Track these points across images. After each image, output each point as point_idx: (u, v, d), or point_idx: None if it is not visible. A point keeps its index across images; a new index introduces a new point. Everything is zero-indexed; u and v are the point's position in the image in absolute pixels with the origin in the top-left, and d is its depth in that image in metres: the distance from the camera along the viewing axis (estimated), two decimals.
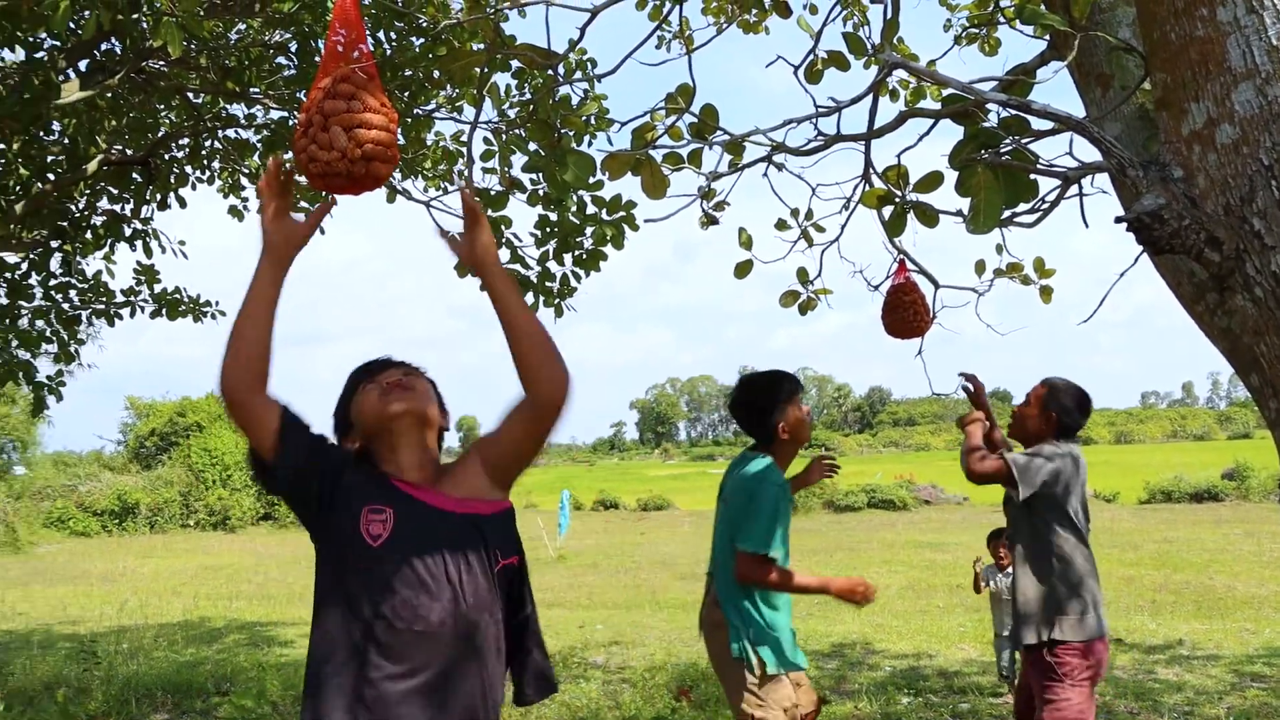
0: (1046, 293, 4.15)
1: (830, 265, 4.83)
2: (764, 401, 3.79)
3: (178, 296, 7.40)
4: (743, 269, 4.22)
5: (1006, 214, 2.88)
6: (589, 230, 5.55)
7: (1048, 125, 2.67)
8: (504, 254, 5.91)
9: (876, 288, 4.11)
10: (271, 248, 2.23)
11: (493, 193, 4.83)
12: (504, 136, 4.75)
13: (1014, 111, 2.55)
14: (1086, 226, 2.75)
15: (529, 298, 5.95)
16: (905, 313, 3.84)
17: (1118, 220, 2.11)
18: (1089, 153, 2.83)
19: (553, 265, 5.85)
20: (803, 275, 4.34)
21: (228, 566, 21.47)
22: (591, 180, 3.91)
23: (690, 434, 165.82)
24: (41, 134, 6.38)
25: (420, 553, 2.19)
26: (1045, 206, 3.01)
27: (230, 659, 8.32)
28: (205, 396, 36.51)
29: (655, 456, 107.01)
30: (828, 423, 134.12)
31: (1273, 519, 23.68)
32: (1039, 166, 2.58)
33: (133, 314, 7.32)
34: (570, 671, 7.65)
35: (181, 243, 7.35)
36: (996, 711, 6.54)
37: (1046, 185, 2.94)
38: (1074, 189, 2.93)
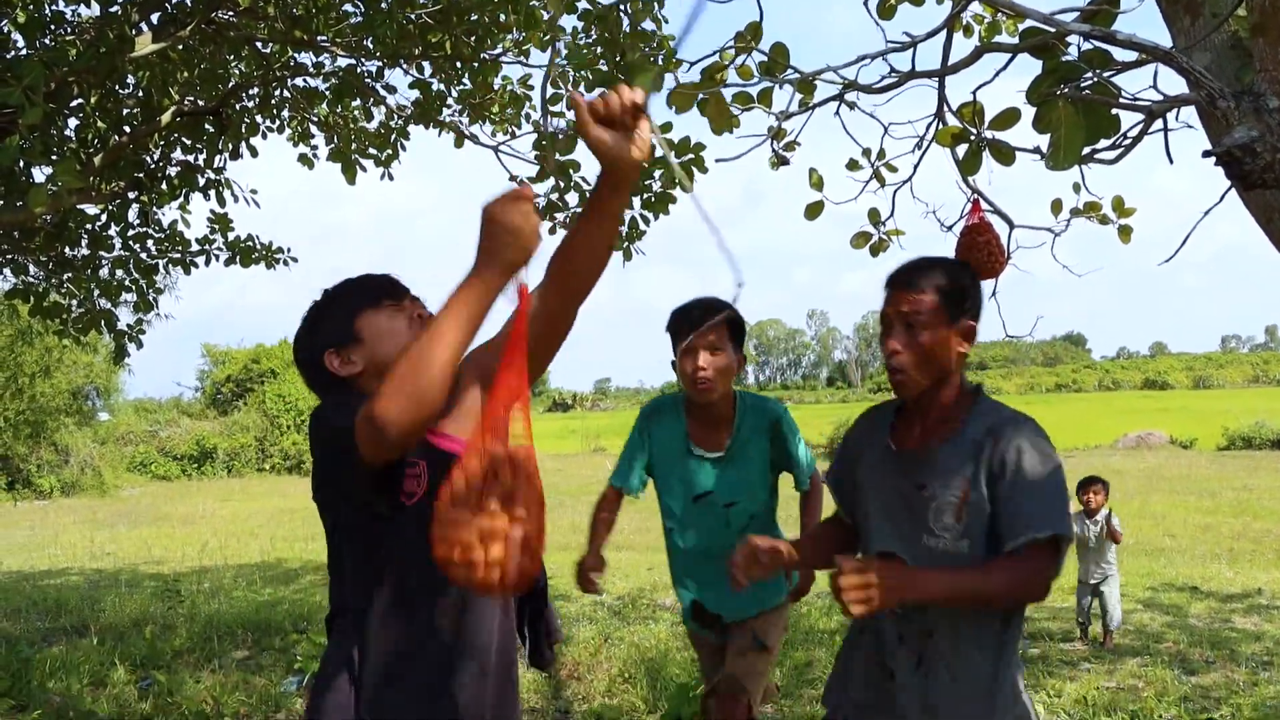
0: (1125, 232, 4.02)
1: (902, 206, 4.72)
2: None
3: (250, 244, 7.51)
4: (813, 210, 4.15)
5: (1087, 150, 2.79)
6: (658, 173, 5.51)
7: (1132, 57, 2.57)
8: (572, 197, 5.91)
9: (950, 229, 4.02)
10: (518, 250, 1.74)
11: (560, 136, 4.81)
12: (571, 74, 4.70)
13: (1096, 44, 2.45)
14: (1171, 162, 2.65)
15: None
16: (979, 254, 3.73)
17: (1206, 154, 2.02)
18: (1175, 85, 2.73)
19: None
20: (874, 216, 4.26)
21: (302, 509, 21.99)
22: (660, 121, 3.86)
23: (758, 378, 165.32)
24: (117, 87, 6.48)
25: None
26: (1127, 142, 2.91)
27: (306, 599, 8.54)
28: (279, 343, 37.24)
29: None
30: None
31: None
32: (1122, 100, 2.48)
33: (208, 262, 7.45)
34: (639, 613, 7.73)
35: (254, 191, 7.43)
36: (1066, 657, 6.49)
37: (1129, 120, 2.84)
38: (1158, 123, 2.83)
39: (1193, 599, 8.50)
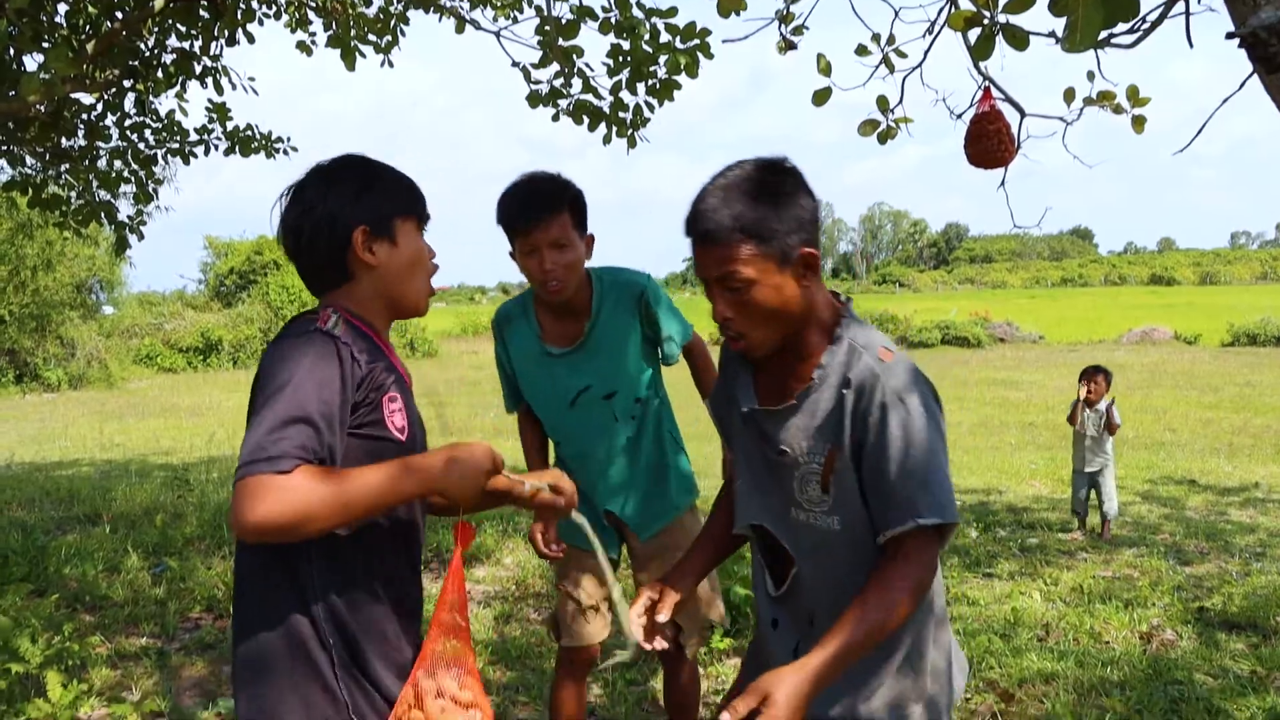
0: (1139, 122, 3.92)
1: (912, 93, 4.64)
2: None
3: (250, 134, 7.40)
4: (821, 96, 4.06)
5: (1104, 34, 2.71)
6: (662, 59, 5.39)
7: None
8: (576, 84, 5.79)
9: (959, 116, 3.94)
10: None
11: (564, 20, 4.69)
12: None
13: None
14: (1191, 46, 2.57)
15: (601, 128, 5.84)
16: (989, 142, 3.66)
17: (1229, 36, 1.96)
18: None
19: (625, 95, 5.71)
20: (883, 103, 4.17)
21: None
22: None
23: None
24: None
25: (422, 438, 1.98)
26: (1146, 26, 2.82)
27: None
28: None
29: None
30: (902, 259, 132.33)
31: None
32: None
33: (206, 152, 7.36)
34: None
35: (251, 79, 7.29)
36: (1064, 546, 6.59)
37: (1149, 3, 2.76)
38: (1179, 6, 2.74)
39: (1190, 492, 8.59)
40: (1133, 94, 3.88)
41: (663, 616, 2.07)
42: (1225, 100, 2.73)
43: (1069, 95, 3.94)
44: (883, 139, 4.21)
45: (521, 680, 4.47)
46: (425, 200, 2.01)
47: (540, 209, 2.81)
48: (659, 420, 3.21)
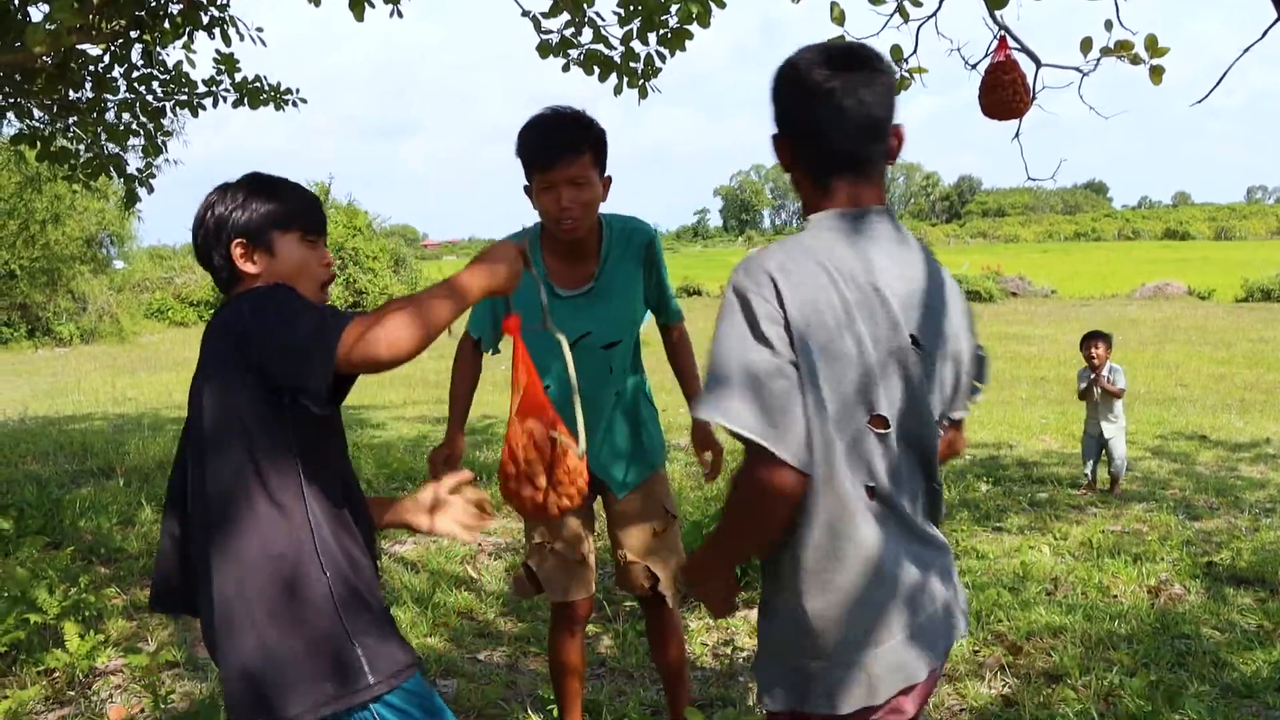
0: (1157, 73, 3.86)
1: (926, 43, 4.58)
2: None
3: (258, 85, 7.35)
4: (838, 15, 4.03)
5: None
6: (674, 7, 5.32)
7: None
8: (587, 34, 5.73)
9: (974, 66, 3.90)
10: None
11: None
12: None
13: None
14: None
15: (612, 79, 5.79)
16: (1004, 92, 3.61)
17: None
18: None
19: (636, 45, 5.65)
20: (897, 53, 4.12)
21: None
22: None
23: (774, 221, 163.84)
24: None
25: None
26: None
27: None
28: None
29: (739, 244, 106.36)
30: (915, 212, 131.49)
31: None
32: None
33: (215, 104, 7.31)
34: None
35: (259, 30, 7.23)
36: (1074, 502, 6.60)
37: None
38: None
39: (1201, 447, 8.58)
40: (1151, 44, 3.81)
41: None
42: (1247, 49, 2.70)
43: (1086, 45, 3.89)
44: (896, 90, 4.16)
45: (533, 632, 4.51)
46: (313, 213, 2.12)
47: (563, 147, 2.75)
48: (641, 377, 3.18)
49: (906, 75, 4.15)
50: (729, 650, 4.27)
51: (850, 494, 1.73)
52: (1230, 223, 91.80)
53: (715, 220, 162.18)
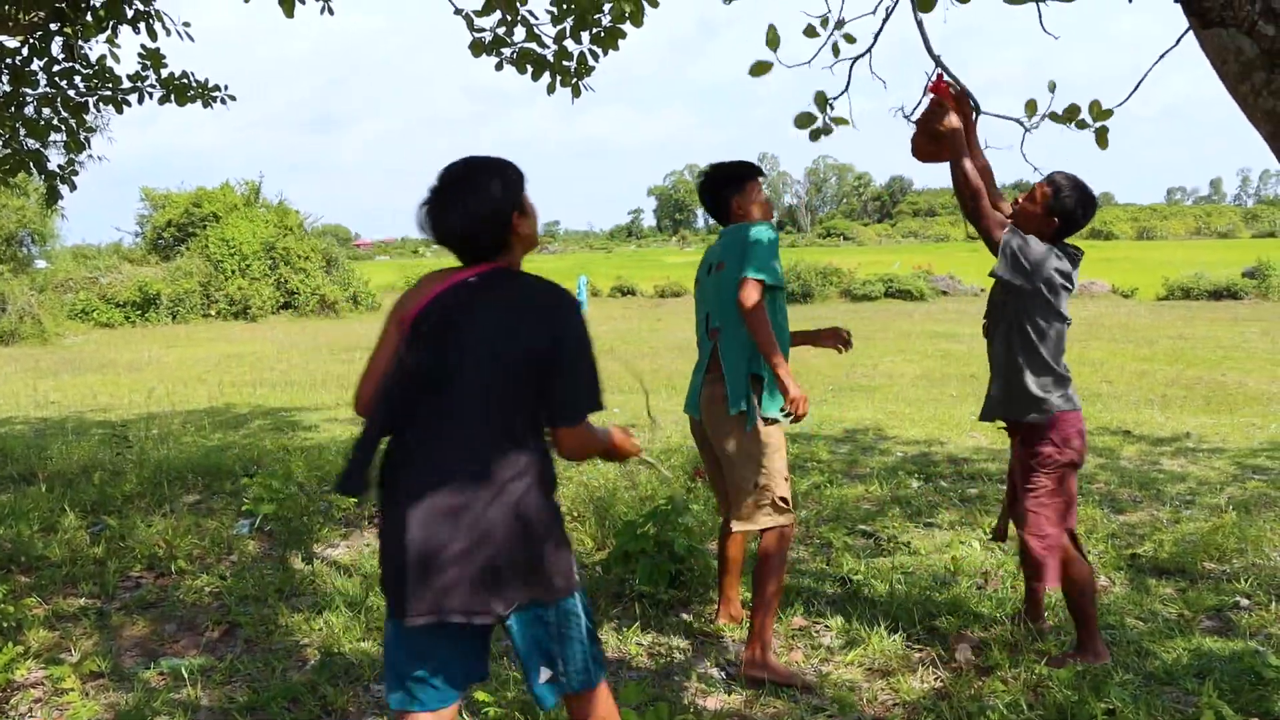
0: (1103, 135, 3.92)
1: (860, 75, 4.60)
2: (725, 186, 4.15)
3: (185, 81, 7.21)
4: (760, 68, 4.03)
5: None
6: (607, 6, 5.32)
7: None
8: (519, 32, 5.71)
9: (909, 118, 3.93)
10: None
11: None
12: None
13: None
14: (1130, 1, 2.60)
15: (545, 77, 5.77)
16: (934, 145, 3.76)
17: None
18: None
19: (570, 43, 5.65)
20: (821, 100, 4.14)
21: (250, 355, 21.87)
22: None
23: (708, 222, 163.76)
24: None
25: None
26: None
27: (256, 443, 8.56)
28: (220, 186, 36.33)
29: (673, 244, 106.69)
30: (846, 212, 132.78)
31: None
32: None
33: (140, 100, 7.16)
34: None
35: (186, 24, 7.09)
36: (1003, 496, 6.70)
37: None
38: None
39: (1125, 442, 8.78)
40: (1095, 109, 3.88)
41: None
42: (1162, 55, 2.77)
43: (1031, 108, 3.95)
44: (815, 136, 4.21)
45: None
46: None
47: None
48: None
49: (829, 123, 4.19)
50: (666, 650, 4.27)
51: None
52: (1151, 223, 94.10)
53: (649, 220, 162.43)
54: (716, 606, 4.59)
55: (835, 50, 4.17)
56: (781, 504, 4.02)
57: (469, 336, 2.46)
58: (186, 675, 4.00)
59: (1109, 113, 3.83)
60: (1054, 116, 3.91)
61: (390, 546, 2.51)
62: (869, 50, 4.16)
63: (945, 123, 3.73)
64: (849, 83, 4.17)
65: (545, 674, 2.58)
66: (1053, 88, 3.86)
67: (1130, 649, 4.14)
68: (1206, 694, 3.59)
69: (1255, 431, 9.49)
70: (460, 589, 2.40)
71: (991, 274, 3.86)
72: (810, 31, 4.11)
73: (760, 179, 4.18)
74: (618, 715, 2.73)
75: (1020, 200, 3.99)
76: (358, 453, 2.53)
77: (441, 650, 2.54)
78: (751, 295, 3.77)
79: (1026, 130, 3.96)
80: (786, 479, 4.05)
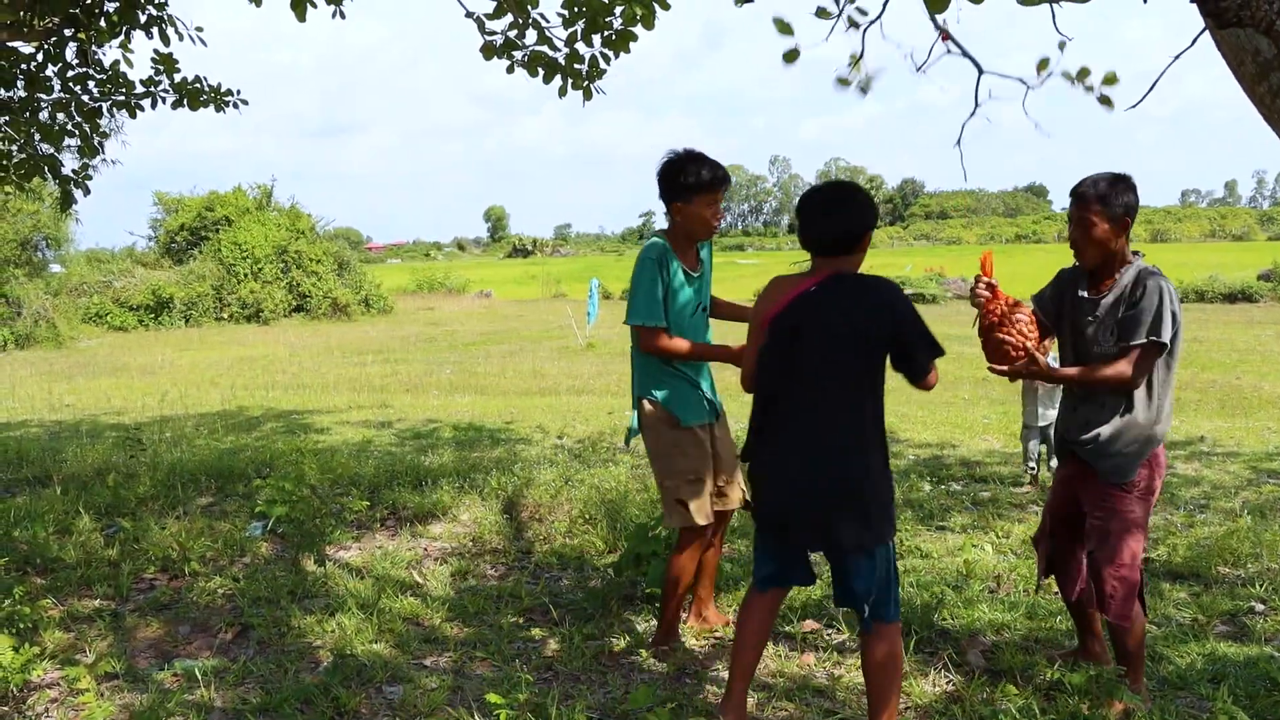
0: (1107, 101, 3.91)
1: (872, 47, 4.59)
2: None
3: (198, 86, 7.24)
4: (790, 56, 4.06)
5: None
6: (618, 9, 5.33)
7: None
8: (531, 35, 5.72)
9: (920, 69, 3.94)
10: None
11: None
12: None
13: None
14: (1145, 2, 2.59)
15: (556, 81, 5.78)
16: (999, 347, 3.69)
17: None
18: None
19: (581, 46, 5.65)
20: (854, 60, 4.19)
21: (262, 358, 21.94)
22: None
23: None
24: None
25: None
26: None
27: (269, 446, 8.59)
28: (233, 190, 36.45)
29: None
30: None
31: None
32: None
33: (154, 105, 7.19)
34: (599, 456, 7.85)
35: (199, 30, 7.12)
36: (1016, 500, 6.69)
37: None
38: None
39: None
40: (1109, 78, 3.86)
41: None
42: (1177, 56, 2.75)
43: (1042, 65, 3.92)
44: (864, 89, 4.26)
45: (479, 636, 4.49)
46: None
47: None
48: None
49: (868, 76, 4.21)
50: (673, 651, 4.27)
51: None
52: (1166, 225, 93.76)
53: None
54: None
55: (853, 22, 4.19)
56: (680, 505, 4.15)
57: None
58: (200, 676, 4.01)
59: (1115, 78, 3.82)
60: (1067, 76, 3.89)
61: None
62: (879, 17, 4.17)
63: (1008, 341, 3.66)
64: (863, 51, 4.19)
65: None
66: (1062, 46, 3.84)
67: (1144, 653, 4.11)
68: (1221, 699, 3.57)
69: (1270, 435, 9.43)
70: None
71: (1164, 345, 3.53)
72: (823, 13, 4.14)
73: (695, 195, 4.03)
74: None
75: (1075, 237, 3.69)
76: None
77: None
78: (642, 341, 4.11)
79: (1030, 88, 3.95)
80: (692, 480, 4.15)
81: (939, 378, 3.28)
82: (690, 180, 3.98)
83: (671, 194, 4.04)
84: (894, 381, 3.42)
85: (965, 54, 3.88)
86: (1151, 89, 3.17)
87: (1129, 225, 3.59)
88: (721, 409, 4.38)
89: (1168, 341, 3.48)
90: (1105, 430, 3.60)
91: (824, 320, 3.20)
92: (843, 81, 4.21)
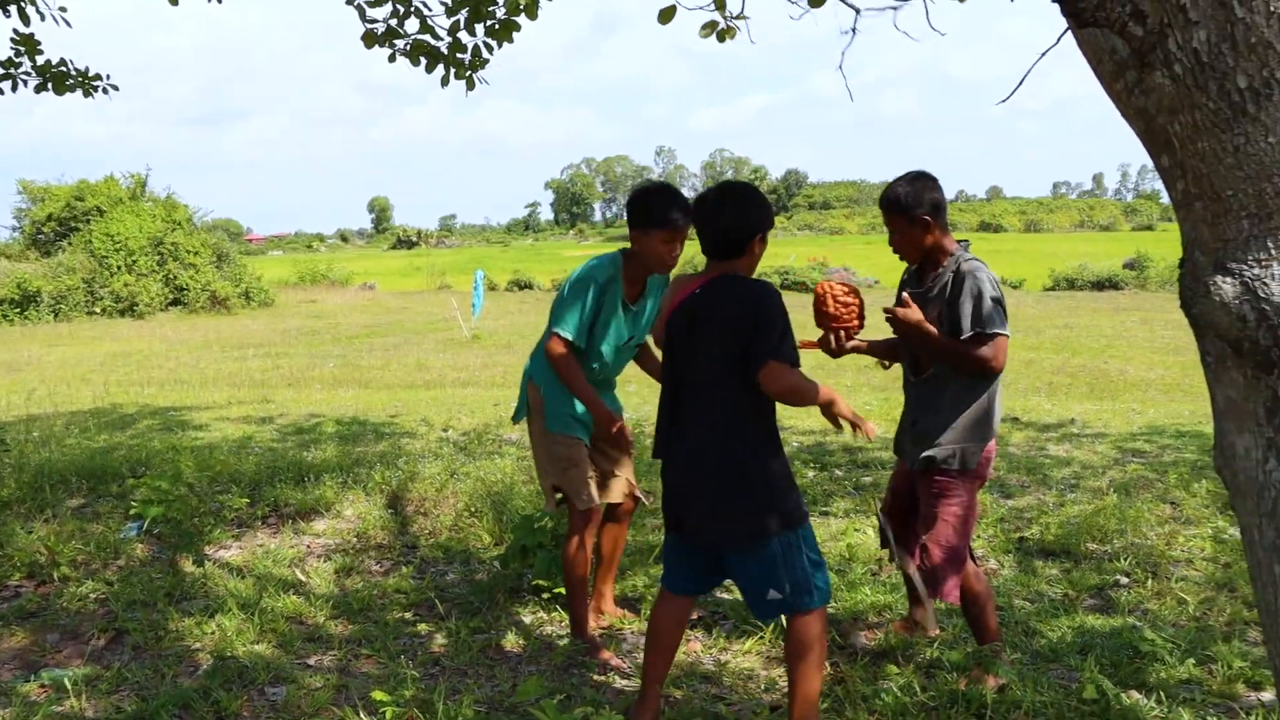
0: None
1: (760, 34, 4.64)
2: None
3: (64, 69, 6.93)
4: (666, 15, 4.11)
5: None
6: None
7: None
8: (412, 24, 5.62)
9: (795, 2, 4.04)
10: None
11: None
12: None
13: None
14: (1011, 1, 2.67)
15: (439, 70, 5.70)
16: (827, 320, 3.84)
17: None
18: None
19: (464, 36, 5.58)
20: (720, 3, 4.25)
21: (137, 353, 21.19)
22: None
23: (606, 214, 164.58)
24: None
25: None
26: None
27: (144, 444, 8.30)
28: (105, 179, 35.09)
29: (570, 237, 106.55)
30: None
31: (1167, 307, 24.60)
32: None
33: (14, 87, 6.85)
34: (485, 448, 7.80)
35: (62, 10, 6.81)
36: None
37: None
38: None
39: (1013, 429, 9.05)
40: None
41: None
42: (1043, 54, 2.83)
43: None
44: (721, 38, 4.31)
45: (364, 633, 4.42)
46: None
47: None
48: None
49: (731, 24, 4.27)
50: (565, 641, 4.27)
51: None
52: (1038, 216, 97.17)
53: (546, 214, 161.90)
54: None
55: (728, 32, 4.23)
56: (556, 491, 4.32)
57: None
58: (70, 686, 3.86)
59: None
60: None
61: None
62: None
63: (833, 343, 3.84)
64: (744, 4, 4.24)
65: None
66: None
67: (1018, 628, 4.27)
68: (1088, 669, 3.72)
69: (1135, 416, 9.86)
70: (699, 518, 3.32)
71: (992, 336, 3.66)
72: None
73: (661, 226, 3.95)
74: None
75: (890, 242, 3.83)
76: None
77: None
78: (550, 344, 4.10)
79: (898, 8, 4.06)
80: (567, 467, 4.25)
81: (794, 390, 3.15)
82: (654, 215, 3.95)
83: (634, 221, 4.01)
84: None
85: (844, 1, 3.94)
86: (1021, 83, 3.27)
87: (934, 222, 3.66)
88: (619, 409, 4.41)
89: (1002, 331, 3.61)
90: (931, 419, 3.74)
91: (703, 319, 3.26)
92: (706, 29, 4.26)
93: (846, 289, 3.84)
